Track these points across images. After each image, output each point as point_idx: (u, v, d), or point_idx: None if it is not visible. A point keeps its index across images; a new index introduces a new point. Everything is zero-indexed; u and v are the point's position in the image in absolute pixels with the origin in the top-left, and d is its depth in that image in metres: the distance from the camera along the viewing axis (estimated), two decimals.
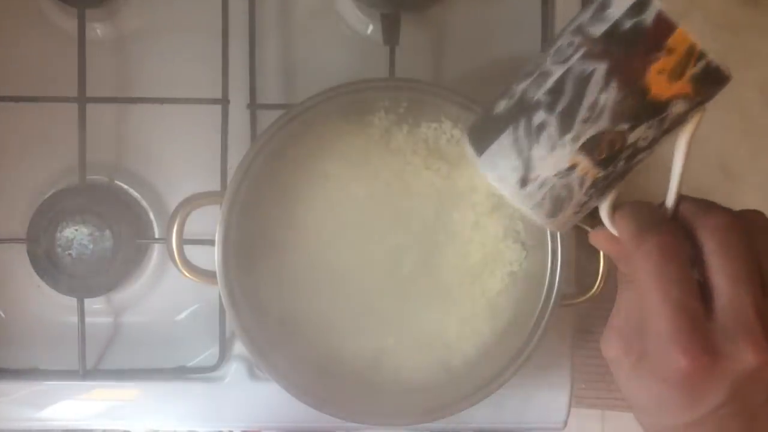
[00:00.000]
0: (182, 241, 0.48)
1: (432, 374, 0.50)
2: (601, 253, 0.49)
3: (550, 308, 0.48)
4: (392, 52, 0.53)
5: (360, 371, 0.50)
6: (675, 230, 0.31)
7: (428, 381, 0.50)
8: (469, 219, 0.50)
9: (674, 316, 0.29)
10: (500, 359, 0.48)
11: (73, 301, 0.54)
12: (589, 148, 0.33)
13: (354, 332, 0.50)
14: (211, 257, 0.52)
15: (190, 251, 0.49)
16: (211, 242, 0.53)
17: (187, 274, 0.48)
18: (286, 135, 0.48)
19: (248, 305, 0.48)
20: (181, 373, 0.55)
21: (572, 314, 0.56)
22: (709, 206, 0.32)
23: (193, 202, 0.48)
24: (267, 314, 0.49)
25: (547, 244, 0.48)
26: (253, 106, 0.54)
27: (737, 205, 0.32)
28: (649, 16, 0.31)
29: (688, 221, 0.32)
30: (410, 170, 0.50)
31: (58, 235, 0.53)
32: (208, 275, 0.48)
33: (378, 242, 0.50)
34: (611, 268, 0.49)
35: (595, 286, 0.49)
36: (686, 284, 0.30)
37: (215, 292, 0.48)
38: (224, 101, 0.54)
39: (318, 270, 0.50)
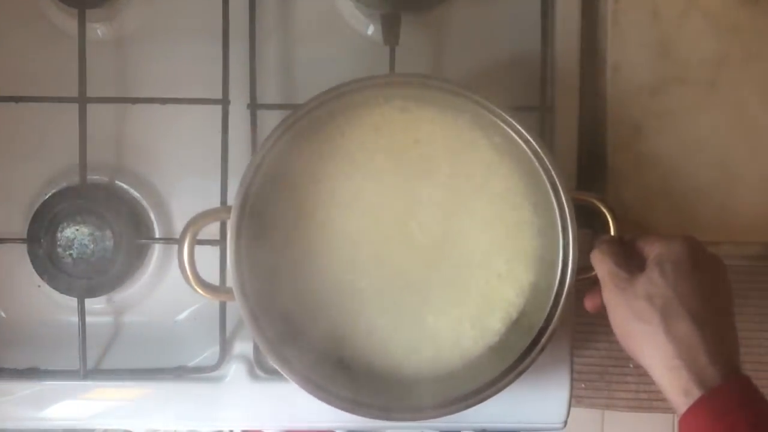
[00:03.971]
0: (194, 260, 0.48)
1: (439, 370, 0.50)
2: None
3: (566, 289, 0.48)
4: (392, 52, 0.53)
5: (364, 369, 0.50)
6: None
7: (436, 376, 0.50)
8: (469, 212, 0.50)
9: None
10: (512, 352, 0.48)
11: (73, 301, 0.54)
12: None
13: (365, 330, 0.50)
14: (214, 257, 0.53)
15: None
16: (214, 242, 0.53)
17: (202, 293, 0.48)
18: (289, 137, 0.48)
19: (265, 313, 0.48)
20: (181, 373, 0.55)
21: (572, 314, 0.56)
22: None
23: (200, 221, 0.48)
24: (281, 317, 0.49)
25: (557, 223, 0.48)
26: (254, 106, 0.54)
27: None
28: None
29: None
30: (414, 166, 0.50)
31: (59, 235, 0.53)
32: (223, 291, 0.48)
33: (386, 239, 0.50)
34: None
35: None
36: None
37: None
38: (224, 101, 0.54)
39: (327, 271, 0.50)
